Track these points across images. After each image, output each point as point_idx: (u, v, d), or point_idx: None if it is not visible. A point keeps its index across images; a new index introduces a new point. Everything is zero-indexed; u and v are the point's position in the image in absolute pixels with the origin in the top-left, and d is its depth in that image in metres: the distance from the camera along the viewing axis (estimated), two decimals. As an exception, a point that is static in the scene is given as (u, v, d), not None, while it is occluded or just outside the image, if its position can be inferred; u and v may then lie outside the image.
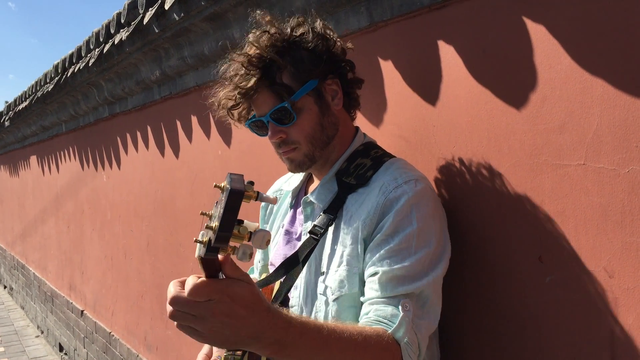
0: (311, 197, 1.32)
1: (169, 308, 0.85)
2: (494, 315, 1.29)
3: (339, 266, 1.20)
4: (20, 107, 5.92)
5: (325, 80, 1.26)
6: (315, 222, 1.25)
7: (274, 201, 0.84)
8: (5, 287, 9.41)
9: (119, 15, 3.09)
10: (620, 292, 1.05)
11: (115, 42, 3.08)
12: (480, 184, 1.30)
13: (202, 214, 0.80)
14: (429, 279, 1.12)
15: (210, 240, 0.76)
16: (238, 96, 1.23)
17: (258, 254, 1.54)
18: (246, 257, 0.80)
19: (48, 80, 4.84)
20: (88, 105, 4.18)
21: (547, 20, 1.15)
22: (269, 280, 1.28)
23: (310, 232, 1.24)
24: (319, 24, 1.27)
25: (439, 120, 1.41)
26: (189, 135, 2.85)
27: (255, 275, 1.54)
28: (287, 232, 1.39)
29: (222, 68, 1.27)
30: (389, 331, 1.05)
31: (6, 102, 7.54)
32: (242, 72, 1.21)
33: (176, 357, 3.10)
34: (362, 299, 1.15)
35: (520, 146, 1.21)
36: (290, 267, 1.24)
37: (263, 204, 1.56)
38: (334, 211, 1.25)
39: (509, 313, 1.25)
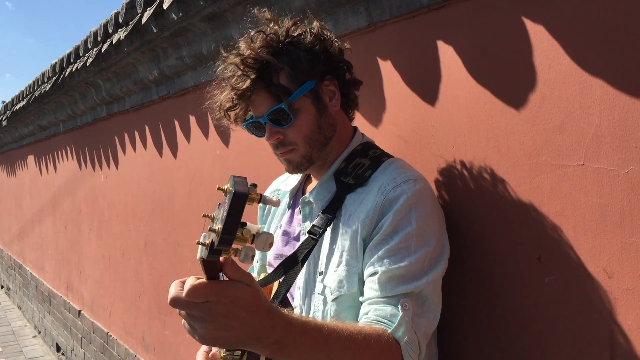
0: (309, 197, 1.32)
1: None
2: (494, 316, 1.29)
3: (338, 266, 1.20)
4: (18, 106, 5.91)
5: (322, 81, 1.26)
6: (314, 222, 1.25)
7: (276, 204, 0.84)
8: (2, 287, 9.39)
9: (117, 14, 3.09)
10: (619, 293, 1.05)
11: (114, 42, 3.07)
12: (480, 185, 1.30)
13: (205, 216, 0.80)
14: (429, 278, 1.12)
15: (213, 242, 0.76)
16: (234, 97, 1.23)
17: (257, 254, 1.54)
18: (248, 259, 0.80)
19: (46, 80, 4.83)
20: (86, 105, 4.18)
21: (547, 20, 1.15)
22: (267, 280, 1.28)
23: (309, 232, 1.24)
24: (316, 25, 1.27)
25: (438, 120, 1.40)
26: (187, 135, 2.84)
27: (254, 275, 1.53)
28: (285, 233, 1.39)
29: (219, 69, 1.27)
30: (389, 331, 1.05)
31: (3, 101, 7.53)
32: (239, 73, 1.21)
33: (174, 358, 3.10)
34: (361, 298, 1.15)
35: (519, 146, 1.21)
36: (289, 267, 1.24)
37: (261, 203, 1.55)
38: (332, 211, 1.25)
39: (508, 313, 1.25)
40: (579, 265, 1.11)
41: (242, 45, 1.23)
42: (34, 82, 5.36)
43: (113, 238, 4.03)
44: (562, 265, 1.14)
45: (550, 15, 1.14)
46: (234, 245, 0.77)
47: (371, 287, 1.12)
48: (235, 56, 1.21)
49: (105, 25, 3.30)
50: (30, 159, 6.68)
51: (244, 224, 0.78)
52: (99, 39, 3.39)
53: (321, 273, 1.23)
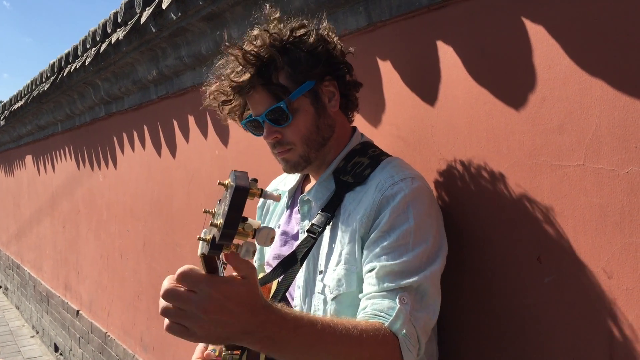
0: (308, 196, 1.32)
1: (162, 303, 0.83)
2: (493, 316, 1.29)
3: (337, 265, 1.20)
4: (16, 106, 5.89)
5: (322, 81, 1.26)
6: (313, 221, 1.25)
7: (277, 198, 0.84)
8: (0, 287, 9.37)
9: (115, 14, 3.09)
10: (619, 293, 1.05)
11: (112, 42, 3.07)
12: (479, 185, 1.30)
13: (206, 211, 0.80)
14: (427, 273, 1.11)
15: (214, 237, 0.76)
16: (230, 90, 1.23)
17: (256, 252, 1.54)
18: (249, 254, 0.80)
19: (44, 80, 4.82)
20: (84, 105, 4.17)
21: (547, 20, 1.15)
22: (266, 280, 1.27)
23: (308, 230, 1.24)
24: (324, 26, 1.27)
25: (438, 120, 1.40)
26: (185, 135, 2.84)
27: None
28: (284, 232, 1.39)
29: (219, 63, 1.27)
30: (386, 324, 1.04)
31: (0, 101, 7.51)
32: (238, 68, 1.21)
33: (172, 358, 3.09)
34: (360, 295, 1.14)
35: (519, 147, 1.21)
36: (288, 266, 1.24)
37: (260, 204, 1.55)
38: (331, 210, 1.24)
39: (508, 313, 1.25)
40: (578, 266, 1.11)
41: (245, 41, 1.23)
42: (32, 81, 5.35)
43: (111, 238, 4.03)
44: (561, 265, 1.14)
45: (550, 15, 1.14)
46: (234, 241, 0.77)
47: (369, 283, 1.12)
48: (236, 51, 1.21)
49: (104, 25, 3.29)
50: (29, 158, 6.67)
51: (245, 219, 0.78)
52: (98, 38, 3.39)
53: (321, 272, 1.23)
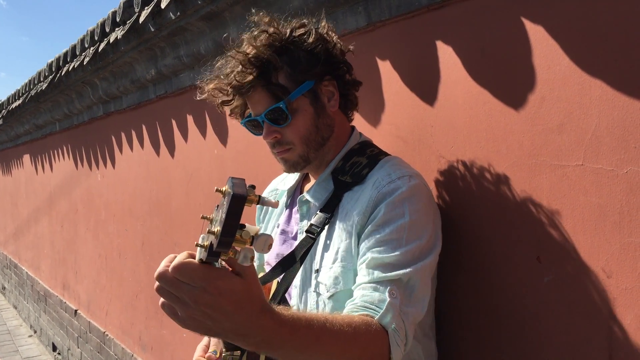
0: (307, 196, 1.32)
1: (157, 282, 0.82)
2: (493, 315, 1.29)
3: (333, 263, 1.20)
4: (14, 105, 5.88)
5: (321, 81, 1.26)
6: (311, 221, 1.25)
7: (275, 205, 0.83)
8: (-3, 286, 9.35)
9: (114, 13, 3.08)
10: (618, 292, 1.05)
11: (111, 41, 3.06)
12: (479, 185, 1.30)
13: (203, 217, 0.79)
14: (417, 267, 1.11)
15: (212, 244, 0.75)
16: (230, 90, 1.23)
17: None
18: (247, 260, 0.79)
19: (42, 79, 4.81)
20: (82, 104, 4.16)
21: (546, 21, 1.15)
22: (266, 279, 1.27)
23: (306, 230, 1.24)
24: (322, 25, 1.27)
25: (437, 120, 1.41)
26: (184, 134, 2.84)
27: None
28: (283, 232, 1.39)
29: (219, 64, 1.27)
30: (376, 318, 1.03)
31: (-2, 101, 7.49)
32: (239, 69, 1.21)
33: (171, 357, 3.09)
34: (352, 287, 1.14)
35: (518, 147, 1.21)
36: (287, 266, 1.24)
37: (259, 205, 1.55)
38: (330, 209, 1.25)
39: (507, 313, 1.26)
40: (578, 265, 1.11)
41: (245, 43, 1.23)
42: (30, 80, 5.34)
43: (110, 237, 4.02)
44: (561, 265, 1.14)
45: (550, 15, 1.14)
46: (232, 247, 0.77)
47: (361, 273, 1.12)
48: (238, 54, 1.21)
49: (103, 24, 3.29)
50: (26, 158, 6.65)
51: (243, 226, 0.77)
52: (96, 38, 3.38)
53: (317, 270, 1.23)
